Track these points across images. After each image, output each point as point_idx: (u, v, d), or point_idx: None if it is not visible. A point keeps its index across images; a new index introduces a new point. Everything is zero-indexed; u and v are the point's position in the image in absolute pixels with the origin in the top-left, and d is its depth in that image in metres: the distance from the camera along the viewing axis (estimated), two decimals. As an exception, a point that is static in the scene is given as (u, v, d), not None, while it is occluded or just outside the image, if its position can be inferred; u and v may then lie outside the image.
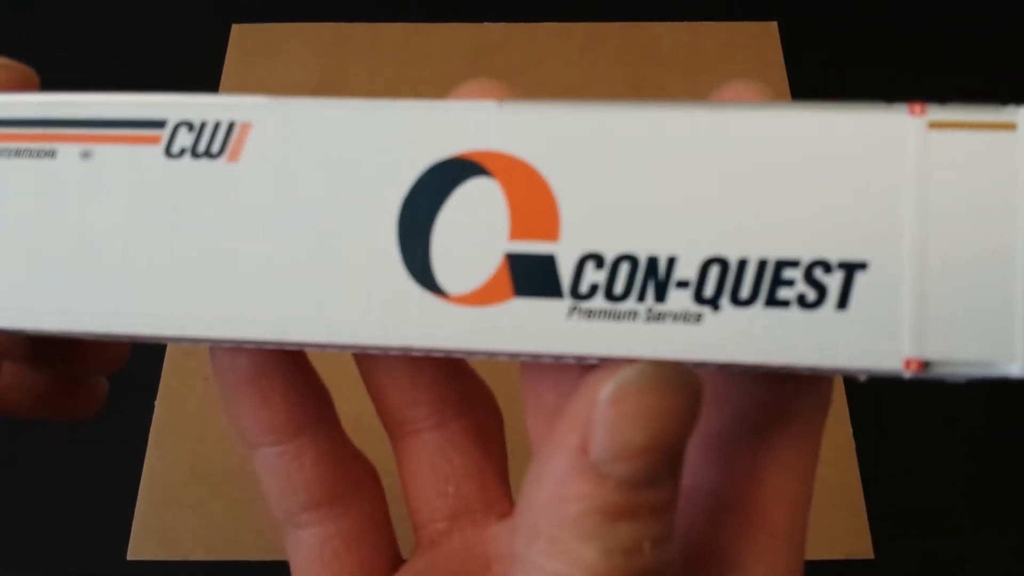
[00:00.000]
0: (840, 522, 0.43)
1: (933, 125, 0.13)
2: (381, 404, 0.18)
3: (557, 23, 0.59)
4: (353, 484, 0.18)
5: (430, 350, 0.14)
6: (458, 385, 0.18)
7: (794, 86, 0.55)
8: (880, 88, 0.57)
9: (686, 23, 0.58)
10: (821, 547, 0.42)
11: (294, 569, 0.18)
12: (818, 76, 0.56)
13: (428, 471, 0.18)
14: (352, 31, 0.59)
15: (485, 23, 0.59)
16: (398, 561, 0.18)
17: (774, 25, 0.58)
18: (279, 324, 0.14)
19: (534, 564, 0.13)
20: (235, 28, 0.59)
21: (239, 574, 0.42)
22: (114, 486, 0.44)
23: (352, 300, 0.14)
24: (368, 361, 0.17)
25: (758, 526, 0.15)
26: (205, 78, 0.57)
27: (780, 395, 0.15)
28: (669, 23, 0.58)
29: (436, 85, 0.56)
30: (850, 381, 0.46)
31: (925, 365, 0.12)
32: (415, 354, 0.14)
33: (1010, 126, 0.12)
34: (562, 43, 0.58)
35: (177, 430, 0.46)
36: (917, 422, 0.46)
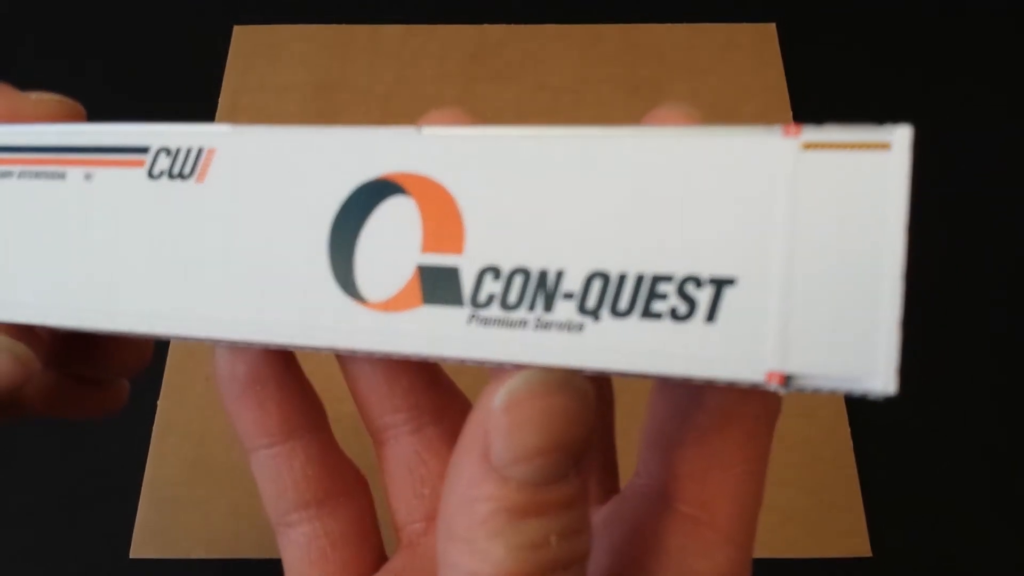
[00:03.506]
0: (838, 521, 0.43)
1: (808, 146, 0.13)
2: (363, 410, 0.19)
3: (557, 24, 0.59)
4: (341, 488, 0.19)
5: (351, 351, 0.15)
6: (434, 393, 0.19)
7: (792, 86, 0.56)
8: (877, 88, 0.58)
9: (685, 24, 0.59)
10: (819, 545, 0.43)
11: (286, 568, 0.19)
12: (816, 76, 0.56)
13: (405, 474, 0.18)
14: (352, 32, 0.59)
15: (485, 24, 0.59)
16: (382, 563, 0.19)
17: (772, 27, 0.58)
18: (227, 324, 0.15)
19: (452, 564, 0.14)
20: (237, 29, 0.59)
21: (240, 572, 0.43)
22: (117, 485, 0.45)
23: (287, 304, 0.15)
24: (351, 370, 0.18)
25: (702, 523, 0.16)
26: (207, 79, 0.57)
27: (725, 400, 0.16)
28: (668, 24, 0.59)
29: (436, 86, 0.57)
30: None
31: (787, 379, 0.13)
32: (340, 354, 0.16)
33: (883, 145, 0.13)
34: (562, 44, 0.58)
35: (179, 430, 0.46)
36: (915, 421, 0.46)
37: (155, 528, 0.44)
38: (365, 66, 0.58)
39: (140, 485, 0.45)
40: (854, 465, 0.44)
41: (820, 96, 0.56)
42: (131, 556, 0.43)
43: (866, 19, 0.59)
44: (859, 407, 0.46)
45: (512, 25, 0.59)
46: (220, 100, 0.56)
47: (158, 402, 0.46)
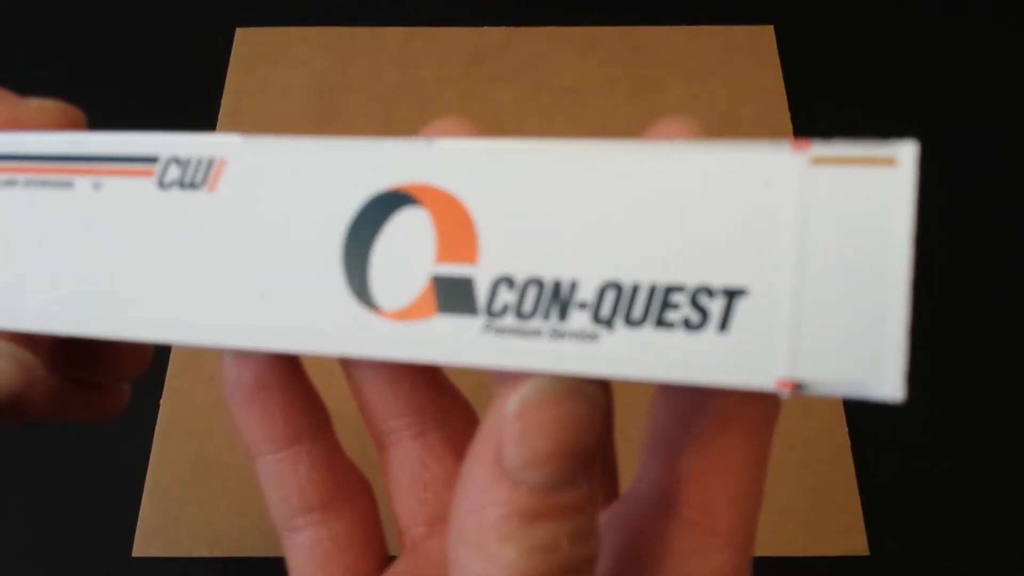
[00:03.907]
0: (835, 520, 0.43)
1: (816, 161, 0.13)
2: (366, 415, 0.19)
3: (556, 27, 0.59)
4: (345, 493, 0.19)
5: (363, 358, 0.15)
6: (437, 398, 0.19)
7: (790, 88, 0.56)
8: (875, 89, 0.58)
9: (684, 27, 0.59)
10: (816, 544, 0.43)
11: (290, 571, 0.19)
12: (814, 78, 0.57)
13: (408, 478, 0.19)
14: (354, 35, 0.60)
15: (485, 27, 0.60)
16: (387, 566, 0.19)
17: (770, 29, 0.59)
18: (239, 332, 0.16)
19: (464, 567, 0.14)
20: (239, 32, 0.60)
21: (242, 571, 0.43)
22: (120, 484, 0.45)
23: (300, 313, 0.15)
24: (354, 374, 0.19)
25: (703, 526, 0.16)
26: (208, 81, 0.58)
27: (725, 404, 0.16)
28: (667, 27, 0.59)
29: (437, 88, 0.57)
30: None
31: (798, 386, 0.13)
32: (352, 360, 0.16)
33: (889, 161, 0.13)
34: (561, 46, 0.59)
35: (181, 429, 0.46)
36: (913, 421, 0.47)
37: (157, 527, 0.44)
38: (366, 68, 0.58)
39: (142, 484, 0.45)
40: (852, 464, 0.45)
41: (818, 97, 0.56)
42: (133, 555, 0.43)
43: (864, 20, 0.60)
44: (857, 407, 0.46)
45: (512, 27, 0.59)
46: (222, 102, 0.57)
47: (160, 401, 0.47)
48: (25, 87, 0.21)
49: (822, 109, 0.55)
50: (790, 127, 0.54)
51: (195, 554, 0.43)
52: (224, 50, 0.59)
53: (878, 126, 0.55)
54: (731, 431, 0.16)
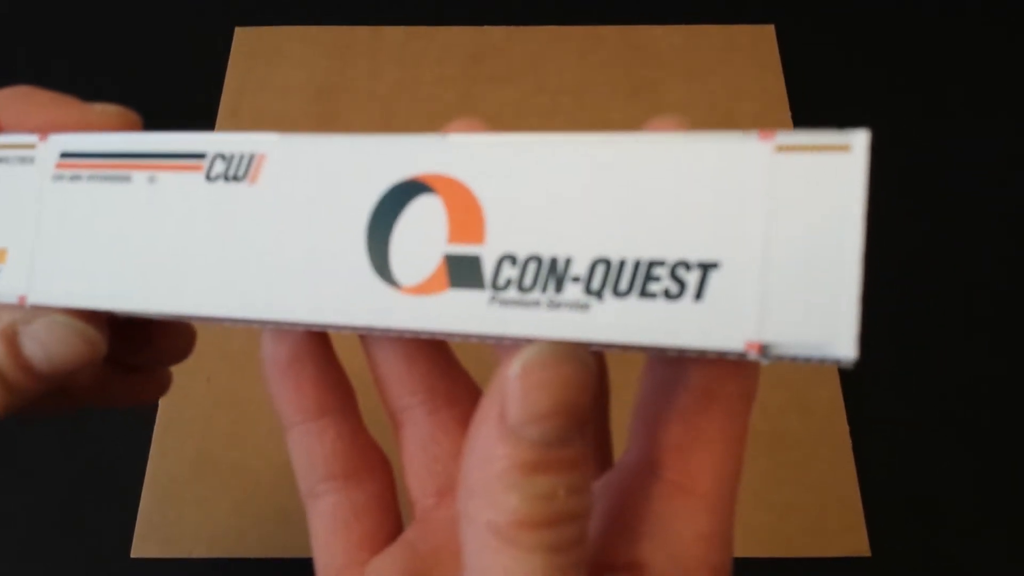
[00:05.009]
0: (836, 520, 0.43)
1: (780, 148, 0.15)
2: (384, 393, 0.21)
3: (556, 26, 0.59)
4: (365, 465, 0.21)
5: (385, 330, 0.17)
6: (449, 379, 0.20)
7: (790, 87, 0.56)
8: (875, 89, 0.58)
9: (683, 26, 0.59)
10: (818, 545, 0.43)
11: (312, 536, 0.20)
12: (814, 77, 0.57)
13: (420, 452, 0.20)
14: (353, 34, 0.59)
15: (485, 26, 0.60)
16: (399, 535, 0.21)
17: (771, 28, 0.58)
18: (277, 308, 0.18)
19: (472, 517, 0.16)
20: (238, 31, 0.60)
21: (242, 571, 0.43)
22: (118, 484, 0.45)
23: (330, 290, 0.17)
24: (375, 354, 0.20)
25: (685, 491, 0.17)
26: (208, 80, 0.57)
27: (706, 379, 0.17)
28: (667, 27, 0.59)
29: (436, 87, 0.57)
30: (847, 380, 0.46)
31: (764, 347, 0.15)
32: (375, 334, 0.18)
33: (844, 147, 0.14)
34: (561, 46, 0.59)
35: (180, 429, 0.46)
36: (913, 419, 0.47)
37: (156, 527, 0.44)
38: (366, 68, 0.58)
39: (141, 484, 0.45)
40: (853, 464, 0.45)
41: (819, 97, 0.56)
42: (132, 555, 0.43)
43: (864, 20, 0.60)
44: (858, 406, 0.46)
45: (512, 27, 0.59)
46: (222, 101, 0.57)
47: (159, 402, 0.47)
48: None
49: (822, 109, 0.55)
50: (791, 127, 0.54)
51: (194, 554, 0.43)
52: (224, 50, 0.59)
53: (878, 126, 0.55)
54: (712, 406, 0.17)
